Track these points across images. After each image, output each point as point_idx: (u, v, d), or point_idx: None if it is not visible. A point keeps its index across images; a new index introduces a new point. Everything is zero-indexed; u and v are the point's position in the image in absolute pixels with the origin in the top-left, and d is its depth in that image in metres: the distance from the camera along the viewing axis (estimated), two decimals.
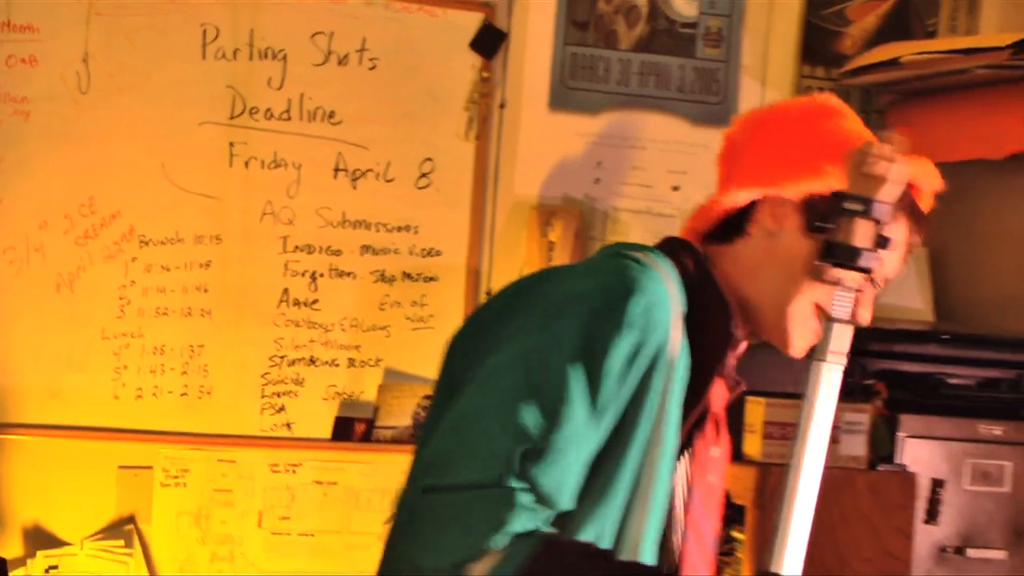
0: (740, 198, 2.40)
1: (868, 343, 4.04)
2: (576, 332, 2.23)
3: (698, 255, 2.41)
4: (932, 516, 3.91)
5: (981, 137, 4.28)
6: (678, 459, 2.35)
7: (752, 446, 3.80)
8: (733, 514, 3.80)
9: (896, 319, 4.30)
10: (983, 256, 4.45)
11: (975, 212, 4.46)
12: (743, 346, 2.42)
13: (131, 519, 4.15)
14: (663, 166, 4.54)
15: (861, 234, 2.20)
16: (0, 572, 3.70)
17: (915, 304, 4.46)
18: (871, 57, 4.53)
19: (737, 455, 3.85)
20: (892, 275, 2.39)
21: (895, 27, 4.69)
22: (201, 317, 4.21)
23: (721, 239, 2.41)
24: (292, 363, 4.26)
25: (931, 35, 4.69)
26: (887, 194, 2.21)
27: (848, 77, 4.61)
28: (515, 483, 2.17)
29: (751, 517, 3.75)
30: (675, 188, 4.51)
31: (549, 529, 2.19)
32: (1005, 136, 4.19)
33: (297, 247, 4.27)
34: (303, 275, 4.27)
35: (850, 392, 3.89)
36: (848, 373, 4.04)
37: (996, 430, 3.97)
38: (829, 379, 2.24)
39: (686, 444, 2.36)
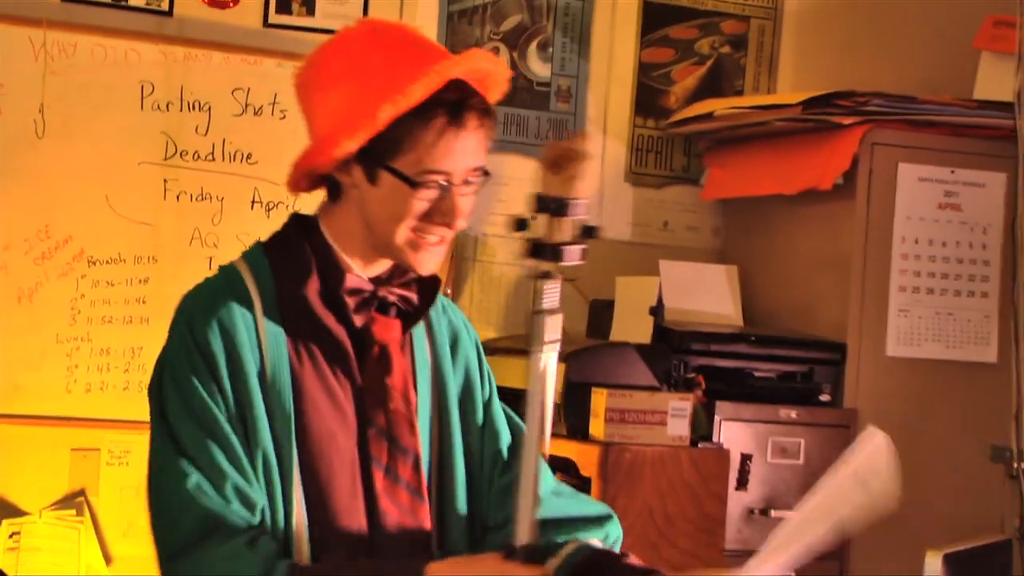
0: (319, 163, 2.18)
1: (690, 343, 4.08)
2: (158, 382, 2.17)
3: (300, 223, 2.25)
4: (742, 484, 3.99)
5: (779, 176, 4.33)
6: (358, 399, 2.21)
7: (596, 429, 3.80)
8: (581, 485, 3.67)
9: (711, 324, 4.31)
10: (780, 272, 4.45)
11: (774, 237, 4.50)
12: (409, 274, 2.23)
13: (82, 493, 4.09)
14: (522, 199, 4.32)
15: (561, 231, 2.00)
16: None
17: (727, 311, 4.42)
18: (691, 111, 4.57)
19: (584, 436, 3.83)
20: (469, 168, 2.16)
21: (710, 87, 4.69)
22: (140, 324, 4.13)
23: (329, 196, 2.24)
24: None
25: (739, 93, 4.72)
26: (583, 190, 2.01)
27: (673, 127, 4.63)
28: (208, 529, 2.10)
29: (596, 487, 3.74)
30: (532, 218, 4.38)
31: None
32: (798, 175, 4.25)
33: (221, 266, 4.23)
34: None
35: (675, 384, 4.01)
36: (674, 368, 4.15)
37: (792, 414, 4.05)
38: (550, 365, 2.02)
39: (368, 380, 2.22)
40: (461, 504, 2.29)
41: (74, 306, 4.11)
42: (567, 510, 2.36)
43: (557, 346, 2.02)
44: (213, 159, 4.22)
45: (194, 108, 4.20)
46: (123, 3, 4.15)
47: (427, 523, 2.25)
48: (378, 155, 2.15)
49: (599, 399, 3.84)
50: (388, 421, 2.23)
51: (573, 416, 3.90)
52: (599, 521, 2.38)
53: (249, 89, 4.23)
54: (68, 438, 4.10)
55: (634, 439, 3.81)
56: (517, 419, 2.37)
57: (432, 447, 2.29)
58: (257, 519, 2.12)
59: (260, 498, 2.13)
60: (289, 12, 4.29)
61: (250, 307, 2.18)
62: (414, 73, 2.11)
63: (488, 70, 2.21)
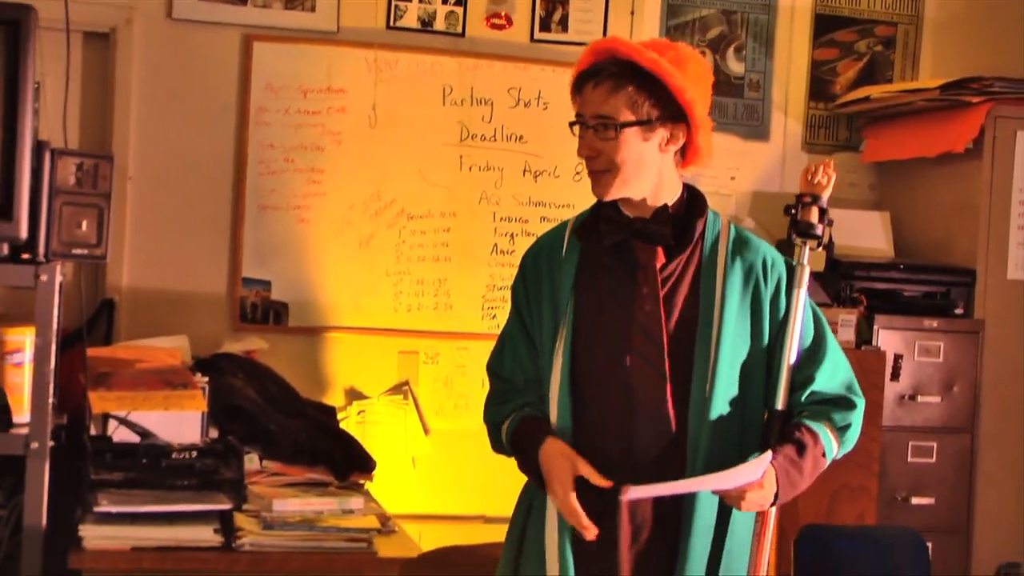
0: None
1: (854, 271, 4.10)
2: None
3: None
4: (895, 376, 4.01)
5: (921, 143, 4.30)
6: (626, 311, 2.32)
7: None
8: None
9: (870, 256, 4.27)
10: (923, 216, 4.40)
11: (917, 189, 4.44)
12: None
13: (406, 383, 4.17)
14: (724, 165, 4.42)
15: (813, 215, 2.30)
16: (332, 415, 3.68)
17: (882, 247, 4.39)
18: (853, 96, 4.55)
19: None
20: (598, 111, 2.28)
21: (867, 77, 4.62)
22: (444, 262, 4.23)
23: None
24: (500, 289, 4.24)
25: (889, 81, 4.64)
26: (825, 192, 2.31)
27: (839, 108, 4.58)
28: (493, 377, 2.49)
29: None
30: (732, 178, 4.45)
31: (530, 401, 2.37)
32: (936, 142, 4.23)
33: (502, 218, 4.27)
34: (506, 235, 4.27)
35: (843, 301, 4.08)
36: (842, 289, 4.14)
37: (934, 323, 4.07)
38: (803, 295, 2.30)
39: (635, 287, 2.32)
40: (698, 388, 2.30)
41: (398, 249, 4.22)
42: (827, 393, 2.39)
43: (807, 285, 2.30)
44: (495, 140, 4.29)
45: (481, 103, 4.28)
46: (430, 29, 4.24)
47: (667, 393, 2.31)
48: None
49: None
50: (645, 317, 2.33)
51: None
52: (838, 402, 2.38)
53: (520, 88, 4.31)
54: (396, 344, 4.20)
55: None
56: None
57: (680, 342, 2.34)
58: (523, 378, 2.41)
59: (532, 372, 2.41)
60: (549, 30, 4.33)
61: (563, 237, 2.43)
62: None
63: (613, 47, 2.31)
